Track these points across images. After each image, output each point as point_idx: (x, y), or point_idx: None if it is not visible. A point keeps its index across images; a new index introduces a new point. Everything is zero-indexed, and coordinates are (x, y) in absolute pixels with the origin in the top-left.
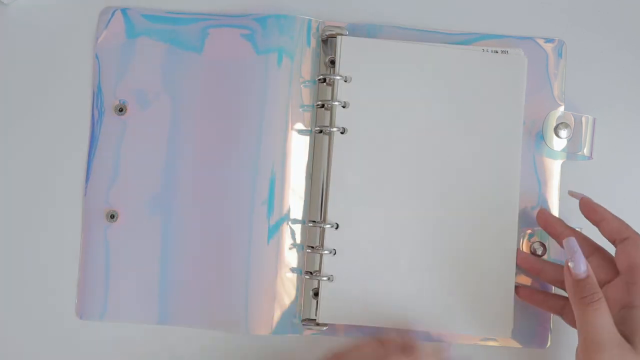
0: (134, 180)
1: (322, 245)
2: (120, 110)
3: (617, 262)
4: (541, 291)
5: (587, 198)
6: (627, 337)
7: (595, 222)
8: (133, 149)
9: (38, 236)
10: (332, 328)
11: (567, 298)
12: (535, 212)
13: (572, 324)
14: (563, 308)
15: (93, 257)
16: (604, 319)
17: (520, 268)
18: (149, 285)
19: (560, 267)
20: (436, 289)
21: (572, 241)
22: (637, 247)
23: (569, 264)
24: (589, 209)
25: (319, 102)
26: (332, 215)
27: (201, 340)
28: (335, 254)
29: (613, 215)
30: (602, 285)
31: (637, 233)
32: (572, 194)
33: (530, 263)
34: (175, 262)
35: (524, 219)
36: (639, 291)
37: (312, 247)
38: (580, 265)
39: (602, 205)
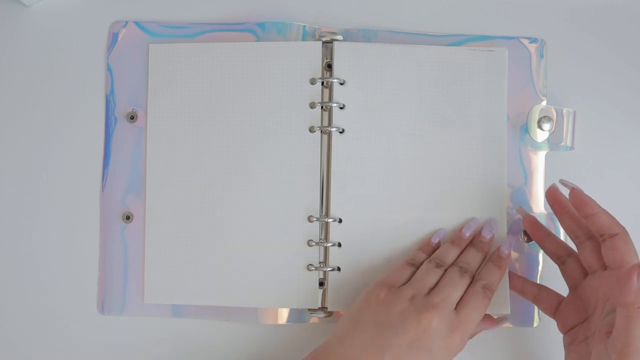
0: (146, 183)
1: (326, 238)
2: (132, 117)
3: (605, 257)
4: (520, 276)
5: (578, 189)
6: None
7: (585, 215)
8: (144, 154)
9: (60, 237)
10: (336, 315)
11: (542, 287)
12: (520, 199)
13: (547, 311)
14: (538, 295)
15: (111, 256)
16: None
17: (525, 230)
18: None
19: (561, 241)
20: None
21: None
22: (627, 244)
23: None
24: (580, 201)
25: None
26: (334, 210)
27: (214, 331)
28: (340, 246)
29: (603, 209)
30: (591, 272)
31: (626, 230)
32: (563, 182)
33: (537, 228)
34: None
35: (513, 205)
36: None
37: (316, 242)
38: None
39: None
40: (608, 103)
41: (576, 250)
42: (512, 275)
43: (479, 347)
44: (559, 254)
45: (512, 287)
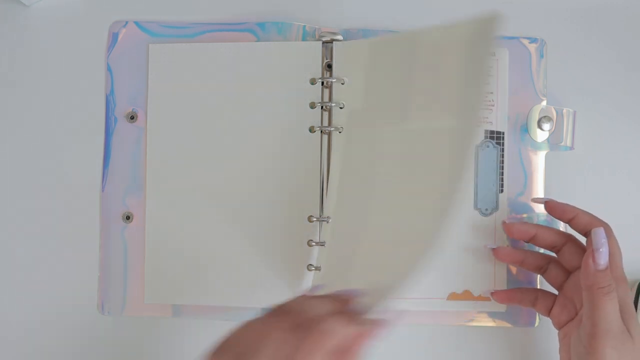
0: (146, 183)
1: (318, 238)
2: (132, 117)
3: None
4: (516, 290)
5: (551, 201)
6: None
7: (567, 220)
8: (144, 154)
9: (60, 237)
10: None
11: (539, 290)
12: (520, 199)
13: (543, 312)
14: (535, 300)
15: (111, 256)
16: (615, 309)
17: (504, 262)
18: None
19: (538, 254)
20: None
21: (601, 232)
22: (610, 237)
23: (595, 254)
24: (558, 210)
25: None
26: (326, 208)
27: (214, 331)
28: (324, 245)
29: (582, 210)
30: (573, 271)
31: (607, 223)
32: (535, 200)
33: (512, 256)
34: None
35: (513, 206)
36: (620, 281)
37: (316, 242)
38: (605, 257)
39: (567, 202)
40: (608, 103)
41: (552, 256)
42: (494, 293)
43: (480, 347)
44: (540, 265)
45: (511, 301)
